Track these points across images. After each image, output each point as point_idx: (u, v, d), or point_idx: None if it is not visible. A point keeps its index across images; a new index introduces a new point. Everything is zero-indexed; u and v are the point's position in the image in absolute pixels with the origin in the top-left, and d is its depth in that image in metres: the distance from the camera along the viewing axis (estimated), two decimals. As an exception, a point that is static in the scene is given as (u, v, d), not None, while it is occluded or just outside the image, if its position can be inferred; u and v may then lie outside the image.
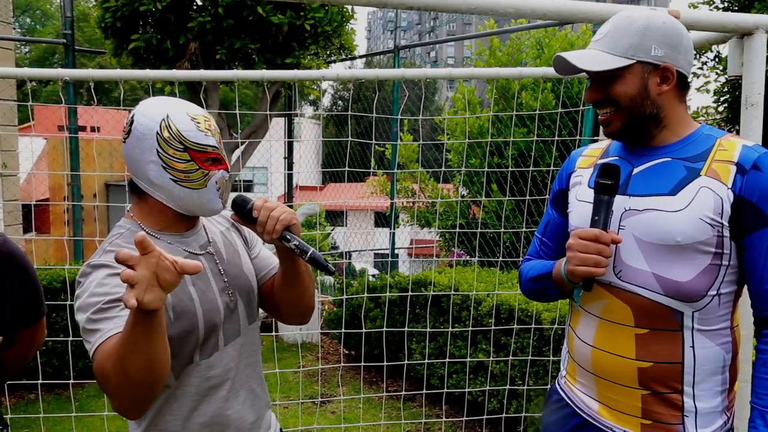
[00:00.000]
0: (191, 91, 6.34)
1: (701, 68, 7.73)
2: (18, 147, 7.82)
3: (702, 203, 1.44)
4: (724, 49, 7.66)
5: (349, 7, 7.10)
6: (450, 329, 4.11)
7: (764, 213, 1.42)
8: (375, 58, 36.89)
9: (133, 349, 1.22)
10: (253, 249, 1.81)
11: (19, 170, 7.57)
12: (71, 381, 3.71)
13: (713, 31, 2.19)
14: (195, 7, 6.33)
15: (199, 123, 1.53)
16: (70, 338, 3.70)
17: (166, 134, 1.49)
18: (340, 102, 37.01)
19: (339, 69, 7.72)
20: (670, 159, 1.52)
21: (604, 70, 1.49)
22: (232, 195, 1.63)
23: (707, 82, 7.84)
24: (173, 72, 3.33)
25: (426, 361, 4.44)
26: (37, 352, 3.56)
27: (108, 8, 6.20)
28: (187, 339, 1.51)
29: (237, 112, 3.51)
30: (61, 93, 3.80)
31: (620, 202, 1.53)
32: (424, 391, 4.17)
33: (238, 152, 6.87)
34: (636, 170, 1.55)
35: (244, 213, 1.54)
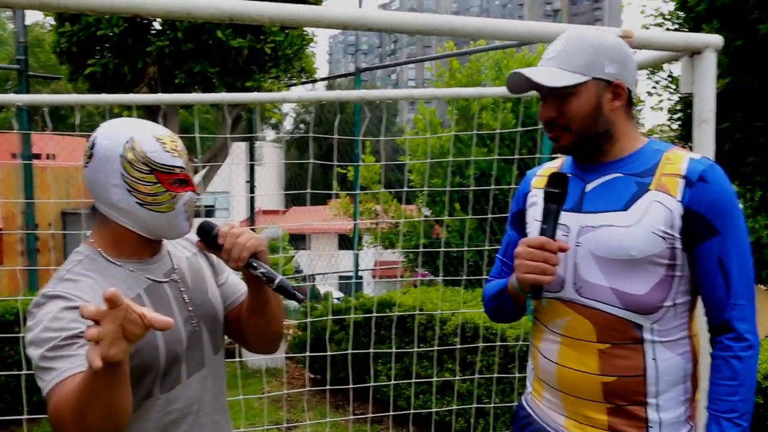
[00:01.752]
0: (150, 116, 6.26)
1: (654, 87, 7.94)
2: (-30, 175, 7.61)
3: (653, 217, 1.47)
4: (677, 69, 7.89)
5: (310, 31, 7.13)
6: (416, 349, 4.10)
7: (713, 223, 1.46)
8: (336, 81, 37.05)
9: (93, 398, 1.17)
10: (221, 275, 1.74)
11: (-29, 199, 7.36)
12: (25, 417, 3.58)
13: (665, 50, 2.26)
14: (153, 32, 6.29)
15: (165, 144, 1.47)
16: (23, 372, 3.58)
17: (130, 156, 1.43)
18: (302, 125, 36.97)
19: (300, 91, 7.73)
20: (621, 175, 1.55)
21: (559, 87, 1.50)
22: (197, 221, 1.58)
23: (661, 101, 8.05)
24: (131, 96, 3.29)
25: (392, 382, 4.41)
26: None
27: (63, 33, 6.11)
28: (146, 372, 1.44)
29: (197, 135, 3.47)
30: (14, 120, 3.72)
31: (576, 219, 1.56)
32: (391, 413, 4.13)
33: (198, 177, 6.80)
34: (588, 187, 1.58)
35: (209, 239, 1.51)
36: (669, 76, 7.88)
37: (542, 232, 1.51)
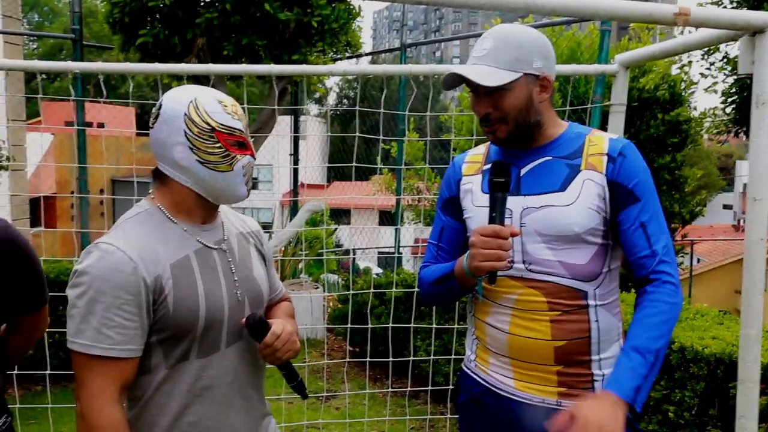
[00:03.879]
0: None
1: (709, 69, 7.72)
2: (26, 142, 7.86)
3: (588, 194, 1.63)
4: (733, 50, 7.64)
5: (356, 5, 7.10)
6: (456, 326, 4.12)
7: (633, 192, 1.63)
8: (381, 57, 36.86)
9: None
10: (269, 268, 1.80)
11: (27, 164, 7.61)
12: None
13: (724, 29, 2.19)
14: (203, 3, 6.34)
15: (226, 106, 1.53)
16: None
17: (193, 115, 1.49)
18: (345, 101, 36.96)
19: (345, 65, 7.73)
20: (550, 158, 1.70)
21: (496, 87, 1.60)
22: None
23: (715, 83, 7.83)
24: (182, 66, 3.33)
25: (431, 357, 4.45)
26: (45, 344, 3.60)
27: (116, 4, 6.21)
28: (184, 334, 1.48)
29: (246, 106, 3.51)
30: (71, 86, 3.82)
31: (517, 202, 1.68)
32: (429, 388, 4.17)
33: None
34: (522, 171, 1.71)
35: (258, 333, 1.56)
36: (724, 57, 7.64)
37: (491, 220, 1.58)
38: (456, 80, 1.69)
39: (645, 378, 1.51)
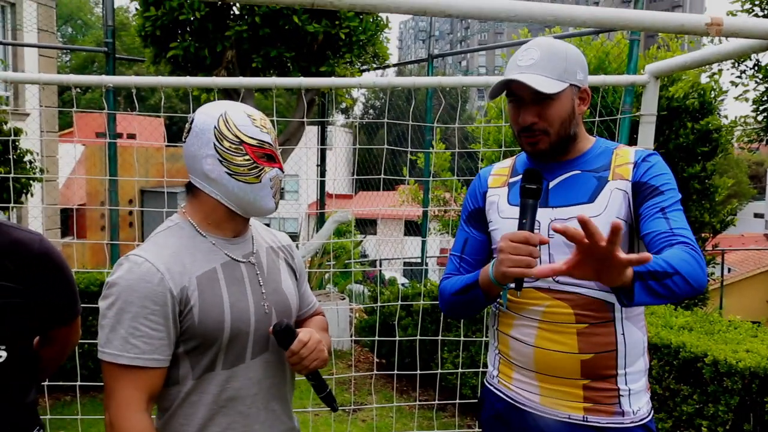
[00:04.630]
0: (228, 99, 6.42)
1: (740, 77, 7.61)
2: (58, 153, 8.01)
3: (616, 204, 1.63)
4: (764, 58, 7.51)
5: (384, 16, 7.14)
6: (483, 338, 4.08)
7: (655, 186, 1.62)
8: (407, 67, 36.95)
9: None
10: (301, 282, 1.81)
11: (59, 175, 7.75)
12: (108, 383, 3.76)
13: (757, 38, 2.16)
14: (232, 16, 6.43)
15: (254, 119, 1.57)
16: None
17: (223, 128, 1.53)
18: (371, 111, 37.11)
19: (374, 77, 7.76)
20: (579, 171, 1.70)
21: (554, 93, 1.61)
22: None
23: (746, 91, 7.70)
24: (212, 79, 3.38)
25: (459, 370, 4.42)
26: (75, 355, 3.65)
27: (148, 17, 6.33)
28: (210, 344, 1.50)
29: (275, 118, 3.54)
30: (104, 99, 3.88)
31: (545, 214, 1.68)
32: (457, 401, 4.14)
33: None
34: (551, 184, 1.71)
35: (285, 340, 1.56)
36: (755, 65, 7.53)
37: (521, 227, 1.56)
38: (500, 88, 1.67)
39: (656, 273, 1.39)
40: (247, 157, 1.54)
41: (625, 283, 1.38)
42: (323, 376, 1.69)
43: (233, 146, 1.53)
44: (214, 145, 1.53)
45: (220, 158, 1.53)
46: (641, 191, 1.63)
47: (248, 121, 1.55)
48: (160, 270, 1.45)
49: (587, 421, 1.64)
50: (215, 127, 1.53)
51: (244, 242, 1.64)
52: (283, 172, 1.64)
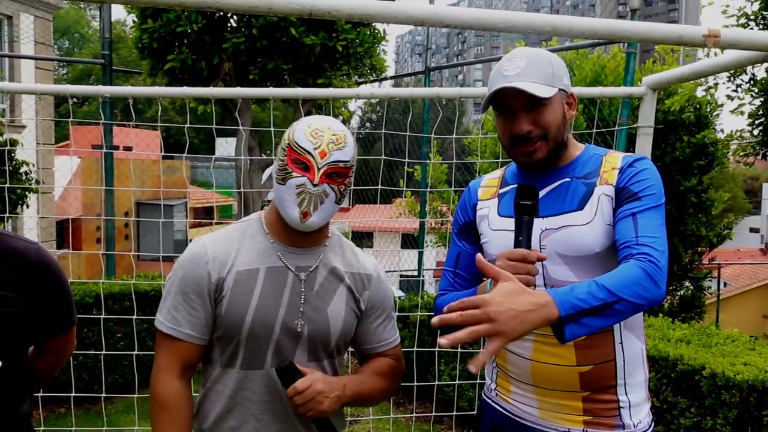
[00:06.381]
0: (225, 111, 6.44)
1: (735, 90, 7.63)
2: (54, 165, 8.00)
3: (603, 209, 1.61)
4: (760, 72, 7.56)
5: (381, 29, 7.17)
6: (480, 350, 4.06)
7: (634, 191, 1.57)
8: (404, 80, 37.10)
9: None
10: (370, 315, 1.77)
11: (55, 186, 7.73)
12: (102, 395, 3.74)
13: (754, 50, 2.17)
14: (229, 28, 6.45)
15: (310, 127, 1.58)
16: (103, 352, 3.74)
17: (287, 132, 1.63)
18: (367, 123, 37.22)
19: (372, 88, 7.78)
20: (569, 179, 1.68)
21: (547, 97, 1.58)
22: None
23: (741, 104, 7.73)
24: (210, 90, 3.37)
25: (456, 382, 4.40)
26: (70, 367, 3.62)
27: (146, 30, 6.35)
28: (229, 339, 1.58)
29: (272, 129, 3.53)
30: (101, 110, 3.88)
31: (536, 224, 1.62)
32: (454, 413, 4.12)
33: (269, 171, 6.94)
34: (542, 193, 1.67)
35: (284, 380, 1.55)
36: (751, 78, 7.56)
37: (517, 244, 1.53)
38: (492, 99, 1.64)
39: (591, 310, 1.33)
40: (283, 159, 1.59)
41: (551, 322, 1.32)
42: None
43: (282, 149, 1.61)
44: (281, 149, 1.62)
45: (278, 160, 1.63)
46: (620, 196, 1.60)
47: (304, 127, 1.59)
48: (208, 255, 1.59)
49: None
50: (287, 135, 1.62)
51: (308, 255, 1.66)
52: (315, 185, 1.56)
